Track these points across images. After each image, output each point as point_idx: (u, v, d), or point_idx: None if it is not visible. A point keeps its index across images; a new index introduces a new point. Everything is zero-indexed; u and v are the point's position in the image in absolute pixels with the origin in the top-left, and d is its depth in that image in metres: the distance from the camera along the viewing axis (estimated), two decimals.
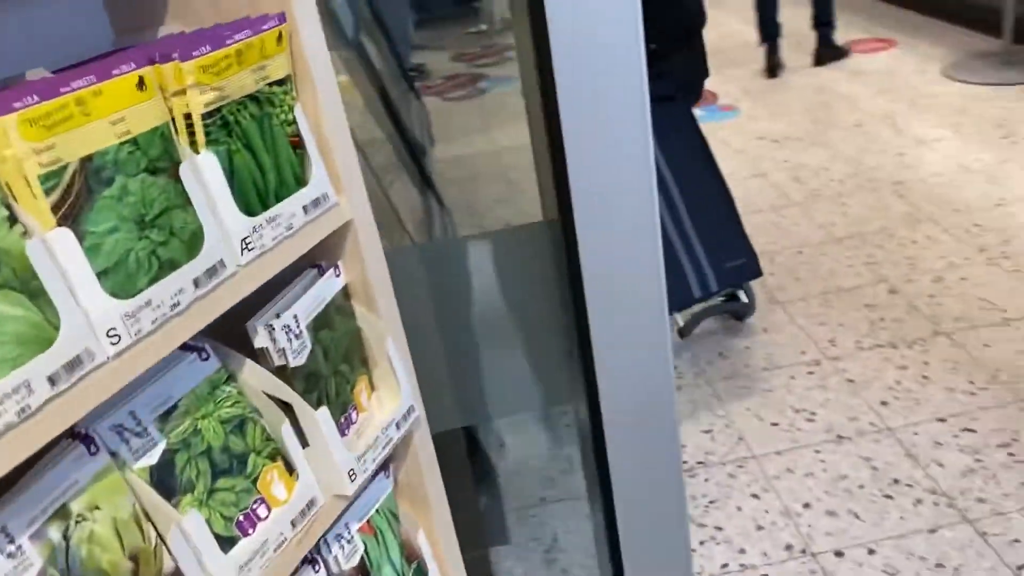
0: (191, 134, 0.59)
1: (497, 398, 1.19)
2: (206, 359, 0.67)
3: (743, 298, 2.61)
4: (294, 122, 0.67)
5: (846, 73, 4.49)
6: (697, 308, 2.53)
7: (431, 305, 1.07)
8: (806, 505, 1.95)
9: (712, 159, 2.42)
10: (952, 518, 1.84)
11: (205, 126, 0.59)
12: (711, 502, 2.00)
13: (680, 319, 2.57)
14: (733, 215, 2.42)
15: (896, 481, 1.96)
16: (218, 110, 0.60)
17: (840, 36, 4.68)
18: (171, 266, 0.59)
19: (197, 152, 0.59)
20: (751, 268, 2.40)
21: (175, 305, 0.58)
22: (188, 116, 0.59)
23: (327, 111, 0.68)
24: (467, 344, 1.11)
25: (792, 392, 2.31)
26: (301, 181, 0.68)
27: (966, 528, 1.81)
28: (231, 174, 0.61)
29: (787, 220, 3.17)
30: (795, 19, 4.75)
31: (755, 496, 2.00)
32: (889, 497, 1.92)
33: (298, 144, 0.67)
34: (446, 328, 1.08)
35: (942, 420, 2.11)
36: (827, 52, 4.58)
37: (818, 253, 2.93)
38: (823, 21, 4.54)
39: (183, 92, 0.58)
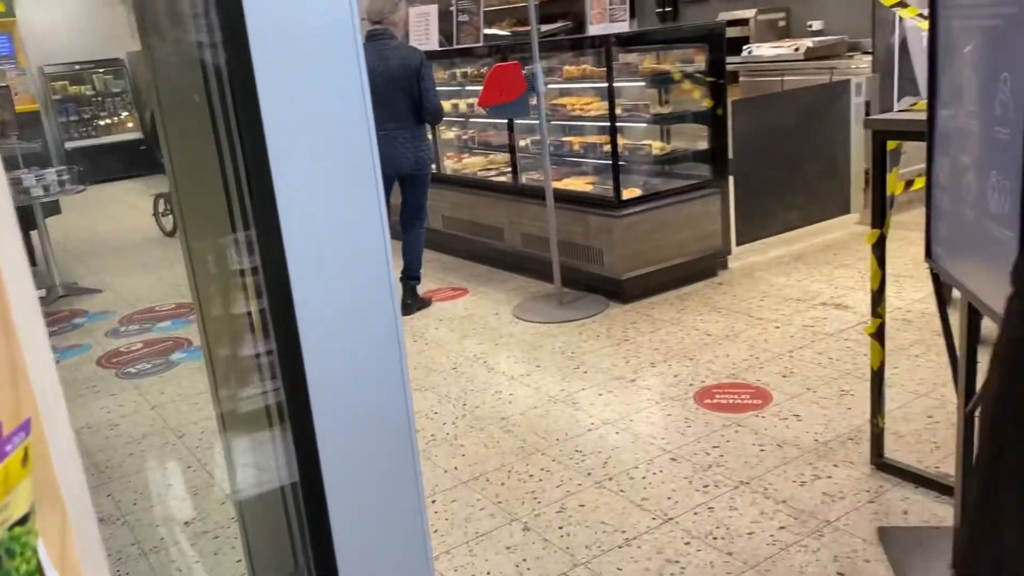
0: None
1: None
2: None
3: None
4: (36, 570, 0.46)
5: (433, 320, 4.84)
6: None
7: None
8: None
9: None
10: None
11: None
12: None
13: None
14: None
15: None
16: None
17: (419, 287, 5.07)
18: None
19: None
20: None
21: None
22: None
23: (79, 534, 0.49)
24: None
25: None
26: None
27: None
28: None
29: None
30: None
31: None
32: None
33: None
34: None
35: None
36: (414, 303, 4.93)
37: (449, 500, 2.96)
38: (412, 275, 4.90)
39: None
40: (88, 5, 11.66)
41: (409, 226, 4.87)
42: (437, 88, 6.32)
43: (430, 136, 6.24)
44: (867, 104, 5.49)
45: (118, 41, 11.38)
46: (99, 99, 12.25)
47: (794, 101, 5.62)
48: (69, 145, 11.88)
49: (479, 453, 3.27)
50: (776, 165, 5.45)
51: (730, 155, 5.09)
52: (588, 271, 4.91)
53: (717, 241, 5.06)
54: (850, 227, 5.76)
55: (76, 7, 11.58)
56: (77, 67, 11.95)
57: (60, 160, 11.00)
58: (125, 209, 9.86)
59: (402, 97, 4.56)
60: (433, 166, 6.23)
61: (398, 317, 0.86)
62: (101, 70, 12.10)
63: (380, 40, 4.62)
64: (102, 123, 12.23)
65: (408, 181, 4.73)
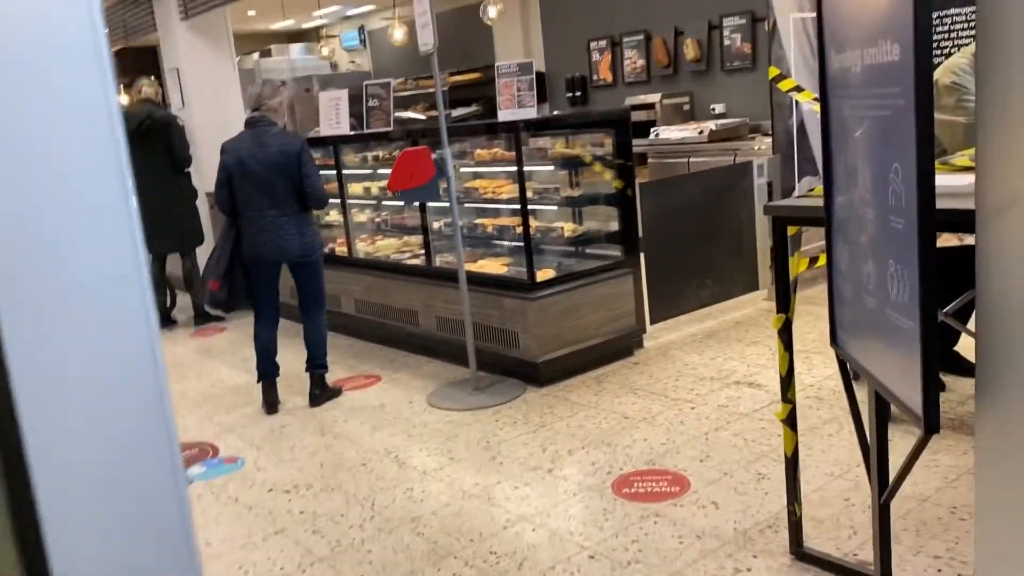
0: None
1: None
2: None
3: None
4: None
5: (343, 411, 4.64)
6: None
7: None
8: None
9: None
10: None
11: None
12: None
13: None
14: None
15: None
16: None
17: (328, 376, 4.87)
18: None
19: None
20: None
21: None
22: None
23: None
24: None
25: None
26: None
27: None
28: None
29: None
30: (289, 362, 4.85)
31: None
32: None
33: None
34: None
35: None
36: (322, 393, 4.73)
37: None
38: (318, 364, 4.71)
39: None
40: None
41: (309, 313, 4.70)
42: (344, 171, 6.23)
43: (341, 219, 6.14)
44: (769, 184, 5.63)
45: None
46: None
47: (700, 182, 5.74)
48: None
49: (387, 559, 3.07)
50: (686, 244, 5.51)
51: (640, 235, 5.13)
52: (504, 354, 4.81)
53: (631, 320, 5.05)
54: (759, 303, 5.84)
55: None
56: None
57: None
58: None
59: (283, 183, 4.46)
60: (345, 248, 6.11)
61: (177, 462, 0.70)
62: None
63: (259, 127, 4.53)
64: None
65: (298, 268, 4.59)
